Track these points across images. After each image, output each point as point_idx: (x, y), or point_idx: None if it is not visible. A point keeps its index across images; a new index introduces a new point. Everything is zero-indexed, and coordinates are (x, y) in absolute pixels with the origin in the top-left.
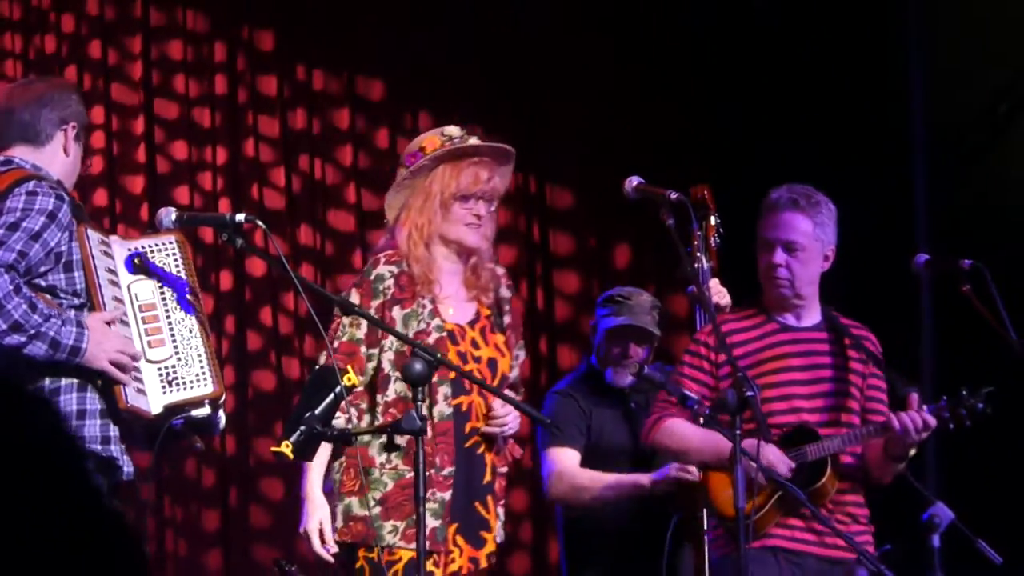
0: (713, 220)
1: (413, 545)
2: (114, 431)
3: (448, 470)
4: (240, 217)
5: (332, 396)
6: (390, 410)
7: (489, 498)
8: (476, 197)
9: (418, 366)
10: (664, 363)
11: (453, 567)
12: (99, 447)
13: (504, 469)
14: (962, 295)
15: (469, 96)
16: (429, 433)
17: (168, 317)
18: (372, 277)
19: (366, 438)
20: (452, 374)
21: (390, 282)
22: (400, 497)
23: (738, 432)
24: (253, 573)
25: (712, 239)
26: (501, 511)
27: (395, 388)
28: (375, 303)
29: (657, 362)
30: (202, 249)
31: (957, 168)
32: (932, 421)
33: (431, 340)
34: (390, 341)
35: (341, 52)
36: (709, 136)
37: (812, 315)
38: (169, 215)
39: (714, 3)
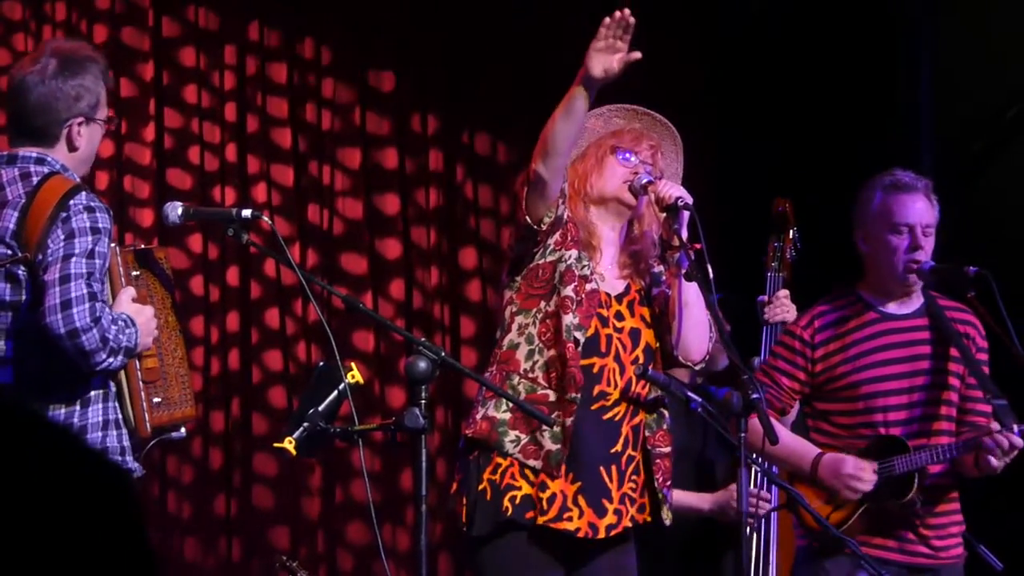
0: (792, 233)
1: (531, 463)
2: (127, 442)
3: (571, 395)
4: (246, 212)
5: (336, 393)
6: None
7: (614, 468)
8: (636, 156)
9: (422, 364)
10: None
11: (570, 525)
12: (119, 458)
13: (666, 449)
14: (967, 302)
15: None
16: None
17: (158, 335)
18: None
19: (519, 349)
20: (592, 329)
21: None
22: None
23: (743, 435)
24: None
25: (789, 252)
26: (669, 494)
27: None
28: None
29: None
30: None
31: (963, 174)
32: (1019, 442)
33: (588, 288)
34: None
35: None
36: (712, 142)
37: (915, 301)
38: (175, 209)
39: (717, 11)
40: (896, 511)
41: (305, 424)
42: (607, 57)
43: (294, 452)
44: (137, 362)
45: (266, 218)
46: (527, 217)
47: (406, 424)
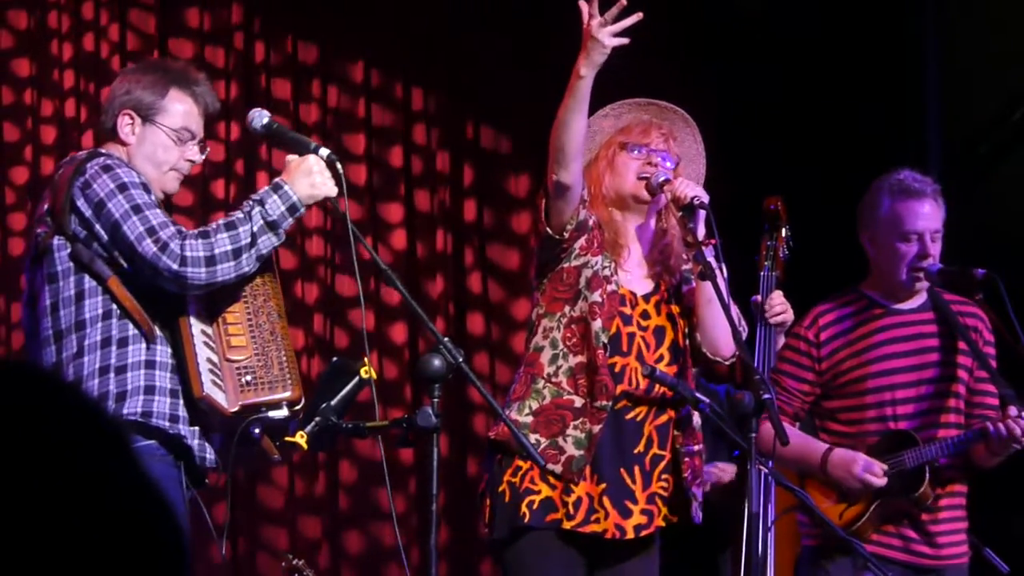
0: (784, 232)
1: (550, 467)
2: (184, 412)
3: (602, 403)
4: (324, 152)
5: (349, 388)
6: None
7: (637, 469)
8: (648, 149)
9: (436, 362)
10: None
11: (597, 527)
12: (167, 424)
13: (695, 448)
14: (975, 304)
15: None
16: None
17: (250, 318)
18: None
19: (543, 350)
20: (613, 329)
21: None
22: (553, 415)
23: (752, 435)
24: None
25: (782, 250)
26: (698, 491)
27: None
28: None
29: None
30: None
31: (970, 176)
32: None
33: (609, 289)
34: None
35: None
36: (719, 146)
37: (920, 296)
38: (262, 117)
39: (726, 10)
40: (906, 507)
41: (317, 419)
42: (609, 38)
43: (305, 447)
44: (202, 334)
45: (339, 165)
46: (548, 228)
47: (418, 423)
